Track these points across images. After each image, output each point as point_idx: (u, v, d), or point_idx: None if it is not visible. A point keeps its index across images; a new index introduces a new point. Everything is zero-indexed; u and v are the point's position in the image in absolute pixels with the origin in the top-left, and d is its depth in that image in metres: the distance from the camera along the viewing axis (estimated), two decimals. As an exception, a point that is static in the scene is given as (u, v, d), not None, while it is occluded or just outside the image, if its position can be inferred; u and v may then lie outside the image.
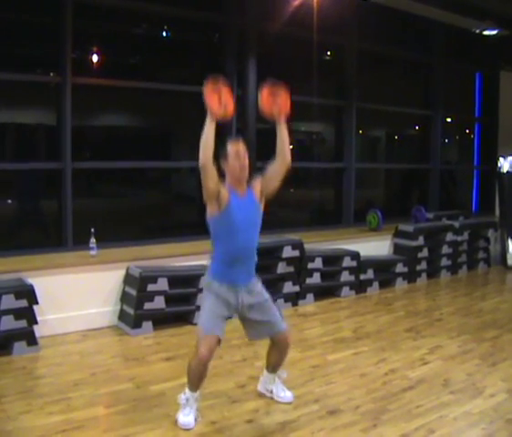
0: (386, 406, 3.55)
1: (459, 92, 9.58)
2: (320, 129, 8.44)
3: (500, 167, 8.52)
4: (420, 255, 7.34)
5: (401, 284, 7.05)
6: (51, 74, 5.66)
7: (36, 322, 4.46)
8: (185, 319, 5.23)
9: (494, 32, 7.19)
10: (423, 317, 5.72)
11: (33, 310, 4.44)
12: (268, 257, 5.72)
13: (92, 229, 5.11)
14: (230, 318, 3.42)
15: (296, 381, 3.89)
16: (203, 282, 3.52)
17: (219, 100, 3.10)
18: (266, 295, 3.47)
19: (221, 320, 3.28)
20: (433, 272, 7.56)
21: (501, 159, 8.53)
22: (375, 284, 6.78)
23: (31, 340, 4.41)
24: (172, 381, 3.83)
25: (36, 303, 4.46)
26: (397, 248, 7.47)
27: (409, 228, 7.37)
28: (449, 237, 7.69)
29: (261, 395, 3.67)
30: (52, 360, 4.29)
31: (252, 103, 6.23)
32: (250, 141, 6.06)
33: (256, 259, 3.43)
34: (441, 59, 8.57)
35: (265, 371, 3.65)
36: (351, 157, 7.64)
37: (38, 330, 4.50)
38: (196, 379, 3.22)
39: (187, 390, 3.26)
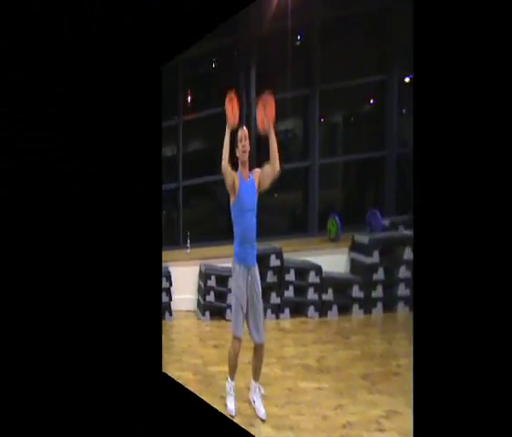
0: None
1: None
2: (292, 126, 7.36)
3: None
4: (375, 277, 5.96)
5: (357, 312, 6.17)
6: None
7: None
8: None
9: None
10: (379, 364, 5.36)
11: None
12: (260, 265, 5.46)
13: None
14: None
15: (278, 399, 4.22)
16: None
17: (232, 111, 3.69)
18: (259, 288, 4.05)
19: (242, 316, 3.92)
20: (389, 303, 6.11)
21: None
22: (334, 308, 6.20)
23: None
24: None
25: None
26: (353, 265, 6.22)
27: (364, 239, 6.01)
28: (408, 254, 5.80)
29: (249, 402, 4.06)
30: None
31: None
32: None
33: None
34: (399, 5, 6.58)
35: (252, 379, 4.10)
36: (314, 152, 6.71)
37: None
38: (230, 368, 3.97)
39: (228, 378, 3.99)
